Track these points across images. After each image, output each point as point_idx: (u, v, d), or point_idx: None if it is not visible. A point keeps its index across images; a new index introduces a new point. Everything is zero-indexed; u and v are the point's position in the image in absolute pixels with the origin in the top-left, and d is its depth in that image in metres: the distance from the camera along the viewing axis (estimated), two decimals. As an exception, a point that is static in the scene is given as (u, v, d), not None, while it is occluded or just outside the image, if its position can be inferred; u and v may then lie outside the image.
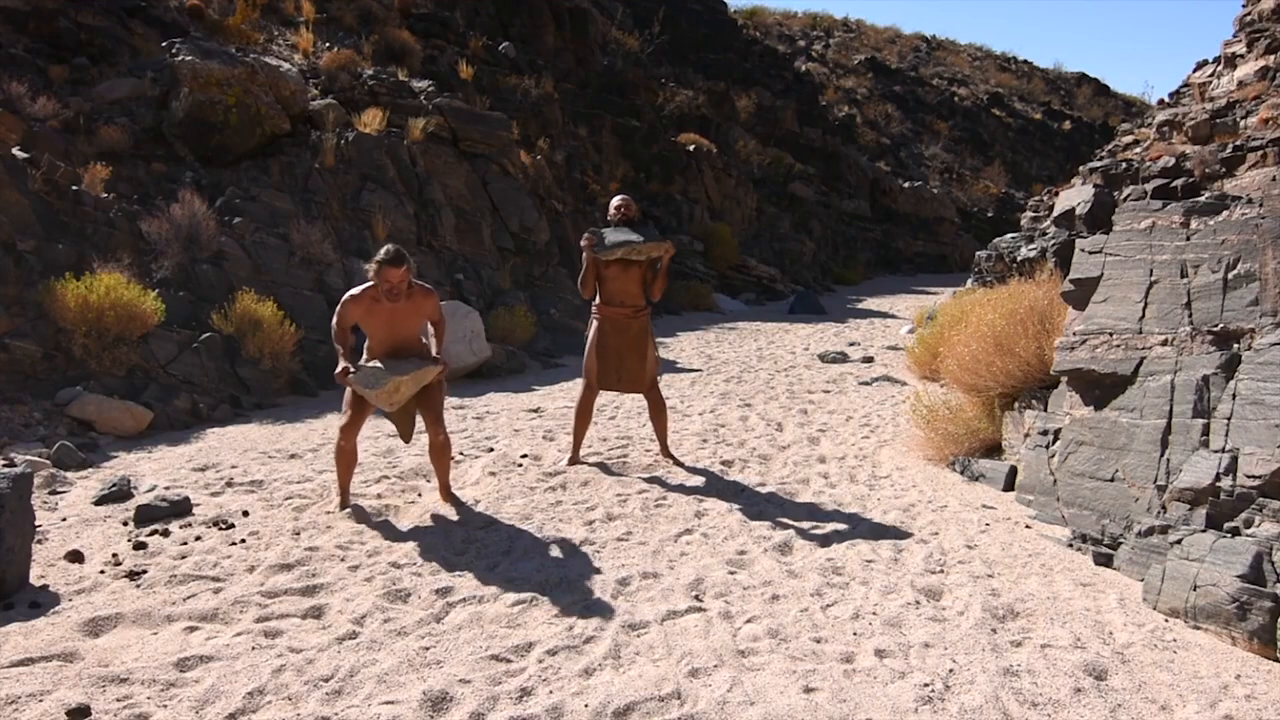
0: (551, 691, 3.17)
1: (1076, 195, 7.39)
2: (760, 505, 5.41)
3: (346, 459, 5.08)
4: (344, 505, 5.11)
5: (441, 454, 5.17)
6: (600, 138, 19.23)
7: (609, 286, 6.01)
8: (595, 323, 6.09)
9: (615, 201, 6.19)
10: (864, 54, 39.93)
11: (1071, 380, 5.39)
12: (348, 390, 4.97)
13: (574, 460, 6.16)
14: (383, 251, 4.79)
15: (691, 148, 21.50)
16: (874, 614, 3.87)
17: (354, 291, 4.93)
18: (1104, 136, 31.38)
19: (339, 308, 4.93)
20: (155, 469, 5.99)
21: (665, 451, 6.36)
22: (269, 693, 3.10)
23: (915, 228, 29.05)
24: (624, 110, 20.30)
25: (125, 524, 4.81)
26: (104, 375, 7.48)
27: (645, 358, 6.11)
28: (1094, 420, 5.04)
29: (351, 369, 4.81)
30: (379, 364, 4.87)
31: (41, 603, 3.78)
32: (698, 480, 5.89)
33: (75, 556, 4.30)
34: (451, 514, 5.09)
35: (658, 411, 6.27)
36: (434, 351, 5.12)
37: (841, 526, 5.04)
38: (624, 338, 6.03)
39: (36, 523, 4.40)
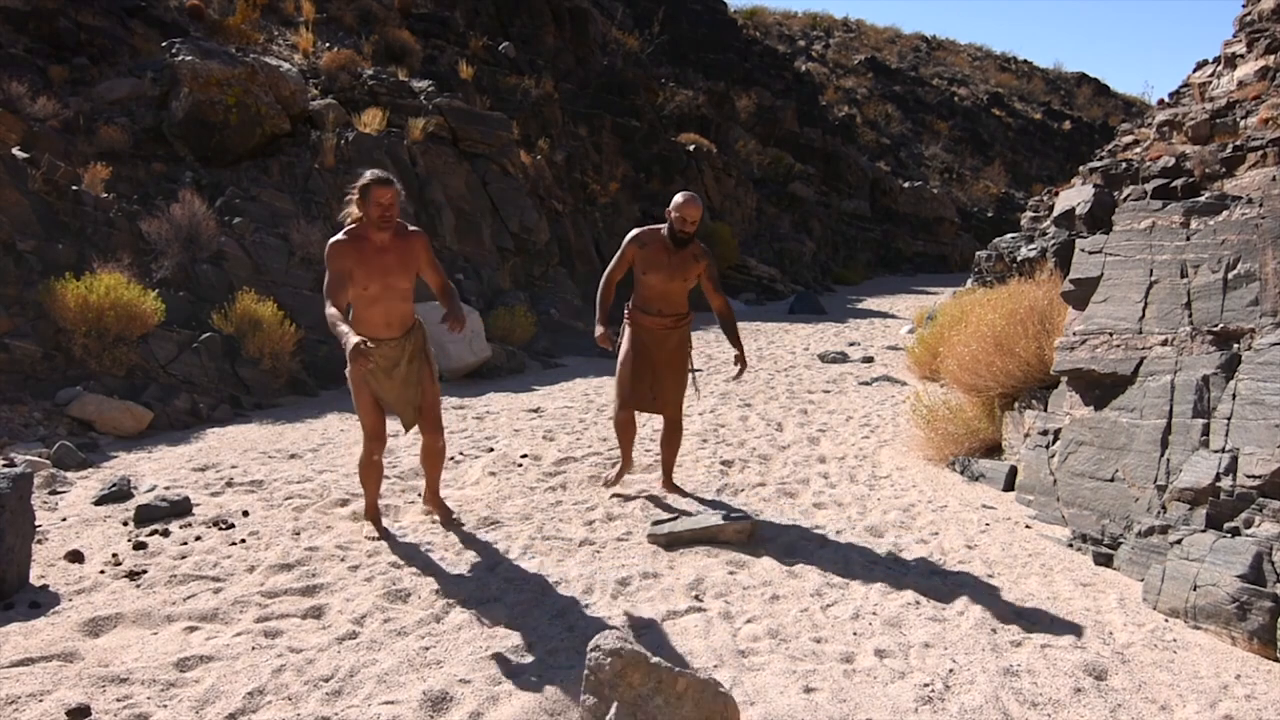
0: (551, 691, 3.17)
1: (1076, 195, 7.39)
2: (760, 505, 5.40)
3: (377, 473, 4.71)
4: (378, 520, 4.81)
5: (437, 459, 4.79)
6: (600, 138, 19.23)
7: (646, 292, 5.21)
8: (628, 330, 5.31)
9: (677, 200, 5.06)
10: (864, 54, 39.94)
11: (1071, 380, 5.39)
12: (362, 402, 4.44)
13: (619, 478, 5.58)
14: (367, 174, 4.23)
15: (691, 148, 21.49)
16: (874, 614, 3.87)
17: (338, 236, 4.21)
18: (1104, 136, 31.40)
19: (329, 258, 4.17)
20: (155, 469, 5.99)
21: (668, 482, 5.60)
22: (269, 693, 3.10)
23: (915, 228, 29.05)
24: (624, 110, 20.30)
25: (125, 524, 4.81)
26: (104, 375, 7.47)
27: (682, 376, 5.35)
28: (1094, 420, 5.04)
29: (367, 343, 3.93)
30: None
31: (41, 603, 3.78)
32: (698, 479, 5.89)
33: (75, 556, 4.30)
34: (452, 511, 5.05)
35: (672, 435, 5.49)
36: (447, 311, 4.40)
37: (841, 527, 5.04)
38: (661, 351, 5.25)
39: (36, 523, 4.40)
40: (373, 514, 4.82)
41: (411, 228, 4.39)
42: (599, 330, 5.12)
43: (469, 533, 4.79)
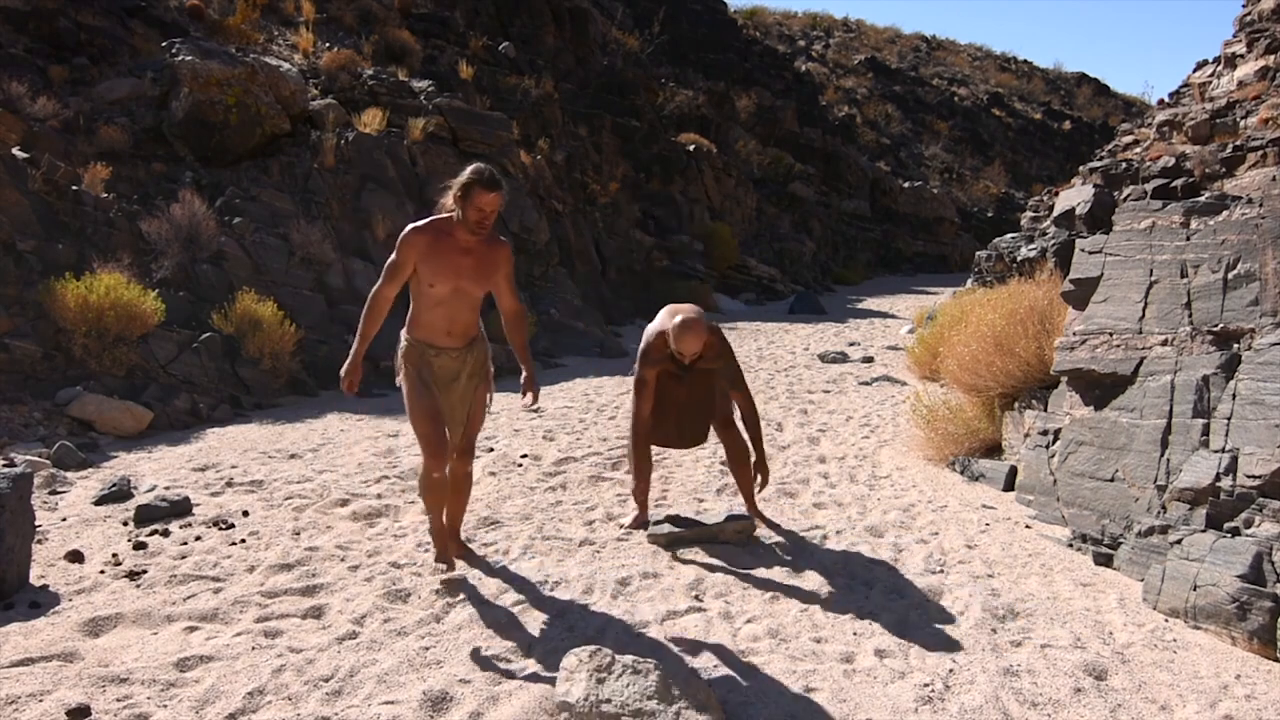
0: (551, 691, 3.17)
1: (1076, 195, 7.39)
2: (760, 505, 5.40)
3: (441, 494, 4.05)
4: (449, 559, 4.16)
5: (464, 490, 4.21)
6: (600, 138, 19.23)
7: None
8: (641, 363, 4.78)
9: (675, 329, 4.38)
10: (864, 54, 39.96)
11: (1071, 380, 5.39)
12: (420, 409, 3.87)
13: (642, 520, 4.83)
14: (470, 170, 3.74)
15: (691, 148, 21.50)
16: (874, 614, 3.87)
17: (418, 223, 3.83)
18: (1104, 136, 31.40)
19: (400, 244, 3.79)
20: (155, 469, 5.99)
21: (753, 508, 4.97)
22: (269, 693, 3.10)
23: (915, 228, 29.06)
24: (624, 110, 20.30)
25: (125, 524, 4.81)
26: (104, 375, 7.47)
27: (713, 405, 4.80)
28: (1094, 420, 5.04)
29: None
30: None
31: (41, 603, 3.78)
32: (698, 480, 5.89)
33: (75, 556, 4.30)
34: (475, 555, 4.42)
35: (736, 456, 4.87)
36: (520, 355, 4.13)
37: (841, 527, 5.04)
38: (680, 385, 4.69)
39: (36, 523, 4.40)
40: (439, 536, 4.17)
41: (501, 237, 3.99)
42: (637, 499, 4.75)
43: (469, 533, 4.78)
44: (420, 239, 3.78)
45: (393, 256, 3.82)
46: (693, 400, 4.74)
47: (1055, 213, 7.80)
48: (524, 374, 4.13)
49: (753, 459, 4.83)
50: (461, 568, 4.29)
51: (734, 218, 22.00)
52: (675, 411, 4.75)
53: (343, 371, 3.94)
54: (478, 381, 4.05)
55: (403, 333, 3.99)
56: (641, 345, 4.64)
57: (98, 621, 3.61)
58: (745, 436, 4.85)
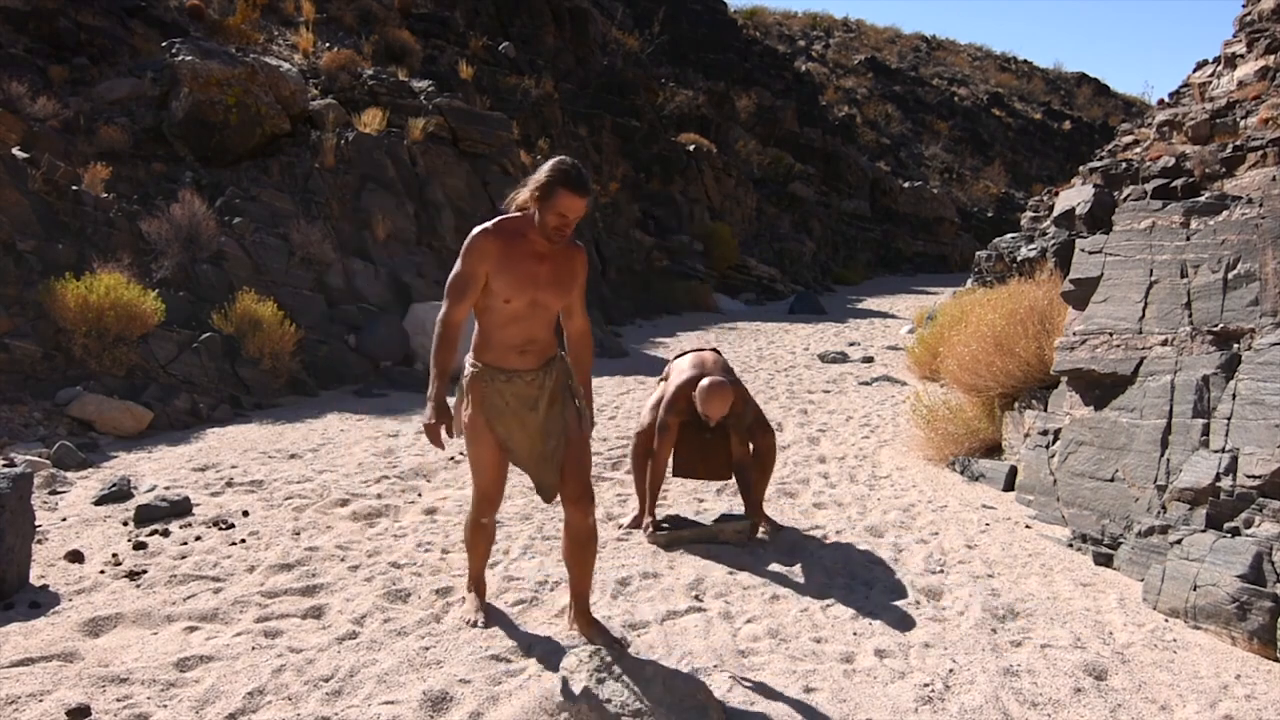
0: (551, 691, 3.16)
1: (1076, 195, 7.39)
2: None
3: (487, 538, 3.76)
4: (483, 592, 3.87)
5: (587, 550, 3.51)
6: (600, 138, 19.22)
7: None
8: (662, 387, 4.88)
9: (702, 391, 4.47)
10: (864, 54, 39.98)
11: (1071, 380, 5.39)
12: (483, 453, 3.46)
13: (654, 523, 4.75)
14: (553, 167, 3.19)
15: (691, 148, 21.51)
16: (874, 614, 3.87)
17: (485, 225, 3.30)
18: (1104, 136, 31.39)
19: (466, 252, 3.26)
20: (155, 469, 5.98)
21: (757, 508, 4.86)
22: (269, 693, 3.10)
23: (915, 228, 29.07)
24: (624, 110, 20.30)
25: (125, 524, 4.81)
26: (104, 375, 7.47)
27: (735, 445, 4.80)
28: (1094, 420, 5.04)
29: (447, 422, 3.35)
30: None
31: (41, 603, 3.78)
32: (697, 480, 5.89)
33: (75, 556, 4.29)
34: (615, 635, 3.61)
35: (759, 459, 4.86)
36: (579, 381, 3.55)
37: (841, 527, 5.04)
38: (700, 431, 4.76)
39: (36, 523, 4.39)
40: (478, 585, 3.86)
41: (577, 241, 3.47)
42: (646, 522, 4.73)
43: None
44: (492, 245, 3.24)
45: (458, 268, 3.27)
46: (715, 440, 4.81)
47: (1055, 213, 7.80)
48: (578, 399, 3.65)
49: (757, 488, 4.88)
50: (462, 567, 4.28)
51: (734, 218, 22.01)
52: (700, 448, 4.82)
53: (429, 420, 3.31)
54: (562, 407, 3.46)
55: (468, 357, 3.46)
56: (669, 393, 4.70)
57: (98, 621, 3.60)
58: (762, 451, 4.89)
